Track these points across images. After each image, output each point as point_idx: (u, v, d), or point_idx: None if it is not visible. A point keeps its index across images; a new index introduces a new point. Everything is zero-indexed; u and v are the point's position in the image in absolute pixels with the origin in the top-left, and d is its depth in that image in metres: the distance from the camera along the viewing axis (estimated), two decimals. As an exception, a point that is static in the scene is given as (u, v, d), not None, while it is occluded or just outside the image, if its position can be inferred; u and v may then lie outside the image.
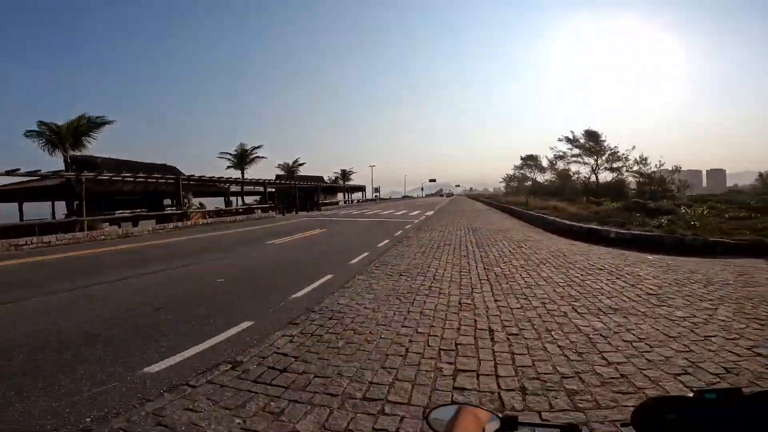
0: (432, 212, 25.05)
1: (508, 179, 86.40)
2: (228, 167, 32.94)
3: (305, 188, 35.96)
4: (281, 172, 39.82)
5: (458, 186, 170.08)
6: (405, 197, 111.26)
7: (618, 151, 59.99)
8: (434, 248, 9.07)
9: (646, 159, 57.25)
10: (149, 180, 19.36)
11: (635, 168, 58.70)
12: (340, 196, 48.88)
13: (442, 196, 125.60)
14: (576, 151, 63.80)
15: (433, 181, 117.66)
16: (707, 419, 0.54)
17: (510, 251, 8.33)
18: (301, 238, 12.48)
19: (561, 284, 5.40)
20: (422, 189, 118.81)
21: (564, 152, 65.08)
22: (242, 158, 32.01)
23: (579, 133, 62.45)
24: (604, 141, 61.55)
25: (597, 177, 63.21)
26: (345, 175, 55.28)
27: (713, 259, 7.08)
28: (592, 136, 61.86)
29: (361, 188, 52.72)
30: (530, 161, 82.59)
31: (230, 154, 32.83)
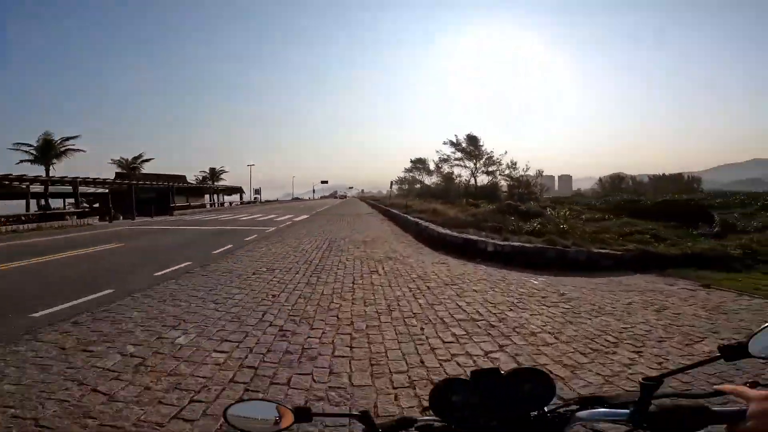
0: (306, 216, 21.84)
1: (399, 182, 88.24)
2: (22, 161, 24.18)
3: (155, 189, 29.41)
4: (119, 170, 32.15)
5: (351, 188, 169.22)
6: (295, 199, 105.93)
7: (493, 156, 65.01)
8: (246, 276, 5.93)
9: (515, 163, 62.75)
10: None
11: (506, 172, 64.50)
12: (218, 198, 42.37)
13: (336, 197, 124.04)
14: (459, 154, 67.48)
15: (325, 182, 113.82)
16: (478, 395, 0.64)
17: (356, 282, 5.60)
18: (53, 259, 8.11)
19: (401, 358, 2.74)
20: (314, 191, 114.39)
21: (448, 155, 68.34)
22: (46, 150, 23.95)
23: (462, 137, 66.04)
24: (482, 146, 66.08)
25: (476, 180, 67.58)
26: (214, 174, 48.16)
27: (604, 277, 5.87)
28: (472, 140, 65.57)
29: (237, 189, 46.48)
30: (419, 164, 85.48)
31: (29, 146, 24.34)
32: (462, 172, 67.95)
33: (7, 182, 19.02)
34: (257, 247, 9.53)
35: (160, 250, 9.55)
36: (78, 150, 26.07)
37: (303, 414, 0.64)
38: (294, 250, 8.95)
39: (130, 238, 12.27)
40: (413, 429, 0.66)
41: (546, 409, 0.65)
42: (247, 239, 11.23)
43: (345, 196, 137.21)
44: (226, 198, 48.49)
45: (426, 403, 2.27)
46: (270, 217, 21.07)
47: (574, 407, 0.66)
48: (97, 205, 26.60)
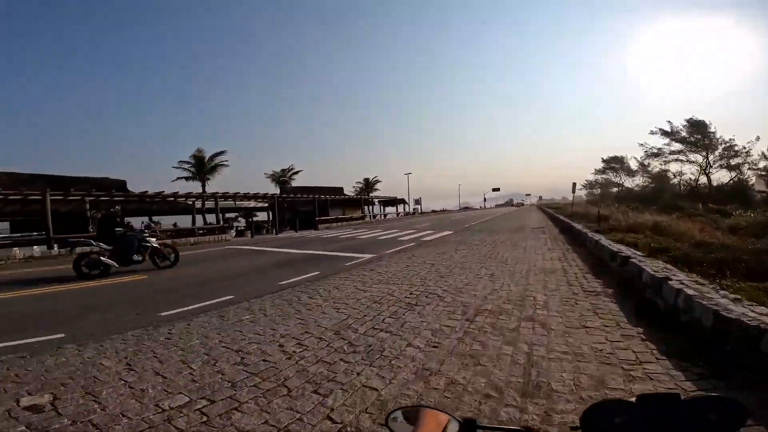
0: (444, 233, 16.53)
1: (588, 185, 72.00)
2: (179, 178, 26.86)
3: (309, 202, 29.34)
4: (273, 185, 33.85)
5: (528, 195, 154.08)
6: (464, 208, 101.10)
7: (735, 144, 44.72)
8: None
9: (777, 151, 41.60)
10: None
11: (762, 164, 43.00)
12: (377, 209, 41.70)
13: (512, 205, 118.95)
14: (676, 146, 49.23)
15: (497, 190, 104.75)
16: (649, 422, 0.57)
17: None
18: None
19: None
20: (485, 200, 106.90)
21: (660, 149, 50.82)
22: (201, 166, 26.00)
23: (679, 123, 48.04)
24: (713, 132, 46.57)
25: (709, 177, 47.96)
26: (368, 185, 47.56)
27: None
28: (697, 126, 47.07)
29: (397, 201, 44.71)
30: (614, 163, 68.10)
31: (187, 163, 26.95)
32: (683, 168, 49.64)
33: (172, 198, 20.26)
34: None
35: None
36: (224, 165, 27.92)
37: (469, 425, 0.62)
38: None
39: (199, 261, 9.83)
40: None
41: None
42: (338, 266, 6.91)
43: (522, 204, 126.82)
44: (388, 209, 47.43)
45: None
46: (394, 235, 16.59)
47: None
48: (258, 217, 27.85)
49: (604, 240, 8.14)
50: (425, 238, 14.33)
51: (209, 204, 22.62)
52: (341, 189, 36.92)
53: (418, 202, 48.59)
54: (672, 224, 9.71)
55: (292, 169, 35.53)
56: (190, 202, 22.06)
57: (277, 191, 32.69)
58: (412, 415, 0.65)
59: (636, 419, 0.56)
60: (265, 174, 35.49)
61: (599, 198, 53.58)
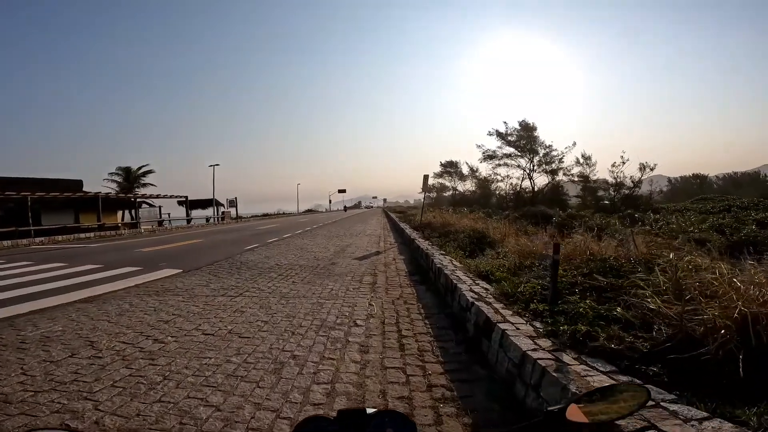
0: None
1: (426, 190, 72.06)
2: None
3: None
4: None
5: (375, 198, 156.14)
6: (307, 211, 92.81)
7: (554, 149, 48.13)
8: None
9: (589, 157, 46.13)
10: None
11: (574, 170, 47.14)
12: (146, 213, 28.35)
13: (360, 208, 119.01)
14: (508, 149, 50.90)
15: (343, 191, 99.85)
16: None
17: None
18: None
19: None
20: (330, 202, 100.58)
21: (494, 151, 51.91)
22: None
23: (513, 125, 49.42)
24: (538, 136, 49.37)
25: (532, 181, 50.83)
26: (131, 177, 33.84)
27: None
28: (526, 129, 49.05)
29: (188, 202, 31.97)
30: (450, 168, 69.75)
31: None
32: (510, 172, 51.89)
33: None
34: None
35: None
36: None
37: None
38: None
39: None
40: None
41: None
42: None
43: (371, 207, 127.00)
44: (196, 213, 34.64)
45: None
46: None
47: None
48: None
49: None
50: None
51: None
52: (77, 182, 23.12)
53: (233, 203, 37.24)
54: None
55: None
56: None
57: None
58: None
59: None
60: None
61: (433, 201, 51.76)
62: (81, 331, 3.81)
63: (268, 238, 14.81)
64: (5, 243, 14.90)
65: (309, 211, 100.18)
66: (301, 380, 2.73)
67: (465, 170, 63.85)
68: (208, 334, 3.68)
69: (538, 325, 2.89)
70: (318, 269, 7.34)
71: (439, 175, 70.75)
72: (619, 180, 35.98)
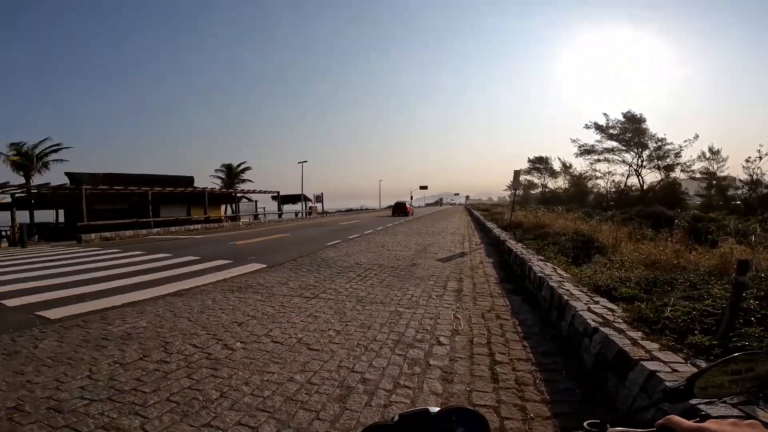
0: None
1: (510, 188, 67.94)
2: None
3: (109, 196, 18.30)
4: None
5: (457, 194, 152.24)
6: (390, 207, 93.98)
7: (669, 143, 41.43)
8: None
9: (718, 152, 38.81)
10: None
11: (695, 166, 40.01)
12: (245, 207, 30.92)
13: (440, 205, 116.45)
14: (609, 143, 45.24)
15: (424, 188, 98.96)
16: None
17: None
18: None
19: None
20: (411, 198, 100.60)
21: (592, 145, 46.66)
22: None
23: (615, 117, 43.70)
24: (647, 129, 43.07)
25: (641, 178, 44.58)
26: (232, 174, 36.64)
27: None
28: (632, 121, 43.03)
29: (279, 197, 34.09)
30: (539, 164, 64.90)
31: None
32: (613, 168, 46.16)
33: None
34: None
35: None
36: None
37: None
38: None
39: None
40: None
41: None
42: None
43: (453, 203, 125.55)
44: (287, 207, 37.06)
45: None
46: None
47: None
48: None
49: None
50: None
51: None
52: (189, 179, 25.87)
53: (319, 198, 38.93)
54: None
55: (56, 147, 23.08)
56: None
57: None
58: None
59: None
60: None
61: (521, 200, 48.53)
62: (161, 328, 3.81)
63: (350, 234, 14.85)
64: (128, 233, 17.21)
65: (390, 207, 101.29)
66: (367, 414, 2.25)
67: (557, 166, 58.98)
68: (277, 342, 3.39)
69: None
70: (398, 270, 6.86)
71: (527, 172, 66.49)
72: (755, 177, 29.77)
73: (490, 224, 14.28)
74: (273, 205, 35.29)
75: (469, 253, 8.85)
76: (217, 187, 32.02)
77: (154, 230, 18.87)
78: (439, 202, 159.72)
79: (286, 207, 37.45)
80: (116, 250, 11.16)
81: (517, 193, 15.77)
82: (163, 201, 22.50)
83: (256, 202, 32.83)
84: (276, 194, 33.73)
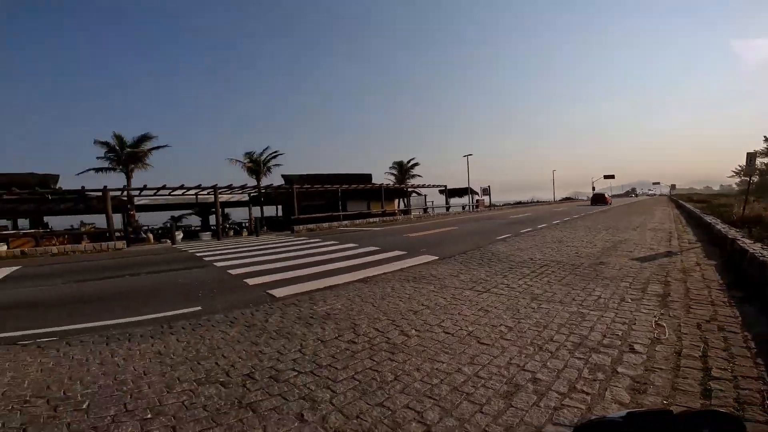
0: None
1: (741, 170, 51.73)
2: (90, 169, 22.01)
3: (310, 194, 22.18)
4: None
5: (657, 183, 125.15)
6: (566, 199, 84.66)
7: None
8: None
9: None
10: None
11: None
12: (414, 201, 32.76)
13: (634, 196, 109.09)
14: None
15: (611, 177, 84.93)
16: None
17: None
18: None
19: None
20: (593, 189, 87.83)
21: None
22: (132, 157, 19.78)
23: None
24: None
25: None
26: (403, 170, 37.83)
27: None
28: None
29: (447, 191, 34.44)
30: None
31: (105, 146, 21.84)
32: None
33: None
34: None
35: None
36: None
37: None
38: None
39: None
40: None
41: None
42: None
43: (653, 194, 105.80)
44: (454, 200, 37.89)
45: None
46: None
47: None
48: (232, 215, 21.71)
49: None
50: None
51: (143, 200, 16.96)
52: (368, 176, 28.86)
53: (486, 191, 37.88)
54: None
55: (275, 153, 28.32)
56: (125, 197, 16.78)
57: (257, 181, 26.91)
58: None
59: None
60: (230, 159, 28.00)
61: (756, 189, 36.69)
62: (351, 311, 4.43)
63: (521, 228, 14.06)
64: (324, 225, 20.75)
65: (567, 199, 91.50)
66: (534, 414, 2.14)
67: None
68: (448, 333, 3.52)
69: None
70: (581, 269, 6.16)
71: (765, 154, 51.93)
72: None
73: (709, 218, 11.27)
74: (440, 199, 36.41)
75: (680, 253, 7.21)
76: (391, 183, 34.97)
77: (344, 222, 22.08)
78: (631, 193, 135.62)
79: (453, 200, 38.09)
80: (317, 240, 13.56)
81: (752, 181, 11.98)
82: (348, 197, 26.00)
83: (425, 196, 34.49)
84: (443, 188, 34.68)
